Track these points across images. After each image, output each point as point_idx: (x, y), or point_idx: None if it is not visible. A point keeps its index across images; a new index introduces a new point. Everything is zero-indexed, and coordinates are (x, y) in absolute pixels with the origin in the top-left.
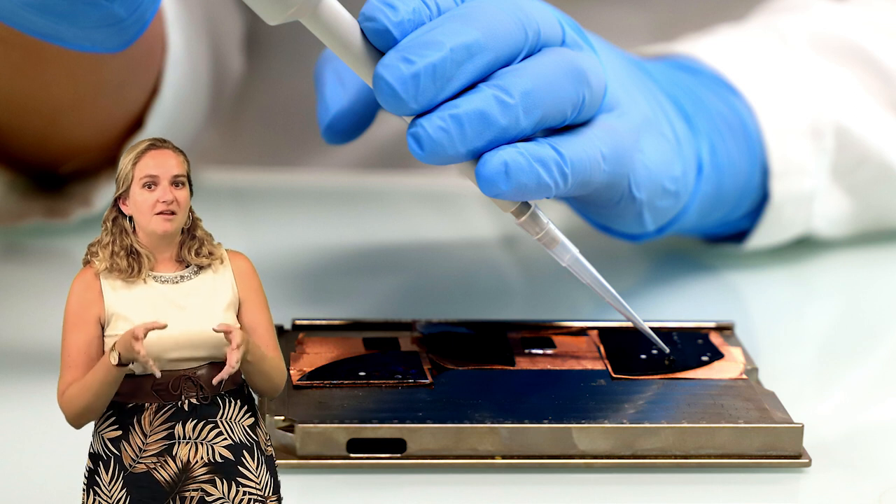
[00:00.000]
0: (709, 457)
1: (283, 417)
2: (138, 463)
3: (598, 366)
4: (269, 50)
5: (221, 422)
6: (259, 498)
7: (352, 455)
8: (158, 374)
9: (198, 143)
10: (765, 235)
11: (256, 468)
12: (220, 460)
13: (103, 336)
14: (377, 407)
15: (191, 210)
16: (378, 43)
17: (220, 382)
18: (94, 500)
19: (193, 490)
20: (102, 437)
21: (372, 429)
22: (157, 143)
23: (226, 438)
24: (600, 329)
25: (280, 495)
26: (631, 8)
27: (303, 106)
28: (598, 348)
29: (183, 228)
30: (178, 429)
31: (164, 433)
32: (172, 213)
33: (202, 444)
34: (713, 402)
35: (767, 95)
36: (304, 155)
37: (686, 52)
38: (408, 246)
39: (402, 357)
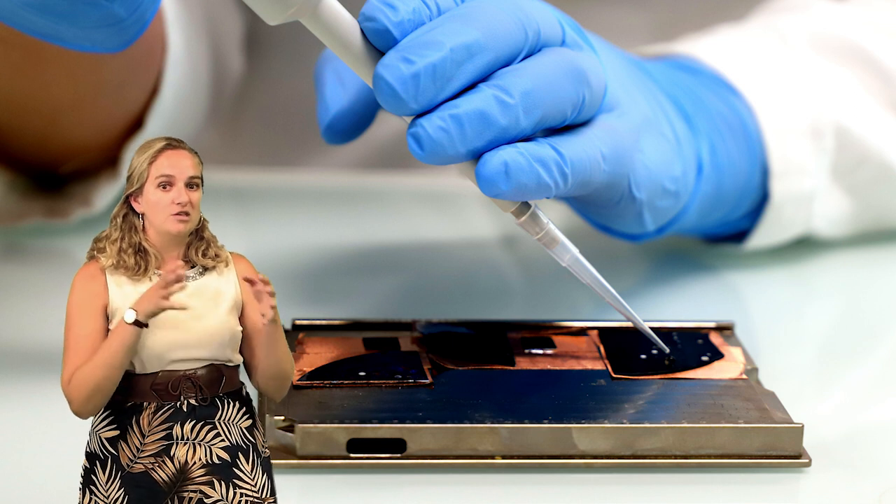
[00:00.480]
0: (709, 457)
1: (283, 417)
2: (136, 463)
3: (598, 366)
4: (269, 50)
5: (219, 423)
6: (255, 500)
7: (352, 455)
8: (185, 307)
9: (198, 143)
10: (765, 235)
11: (252, 470)
12: (217, 462)
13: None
14: (377, 407)
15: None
16: (378, 43)
17: (219, 384)
18: (91, 499)
19: (192, 492)
20: (99, 437)
21: (372, 429)
22: (174, 144)
23: (223, 440)
24: (600, 329)
25: (276, 497)
26: (631, 8)
27: (303, 106)
28: (598, 348)
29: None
30: (177, 429)
31: (163, 433)
32: (186, 214)
33: (200, 445)
34: (713, 402)
35: (767, 95)
36: (304, 155)
37: (686, 52)
38: (408, 246)
39: (402, 357)
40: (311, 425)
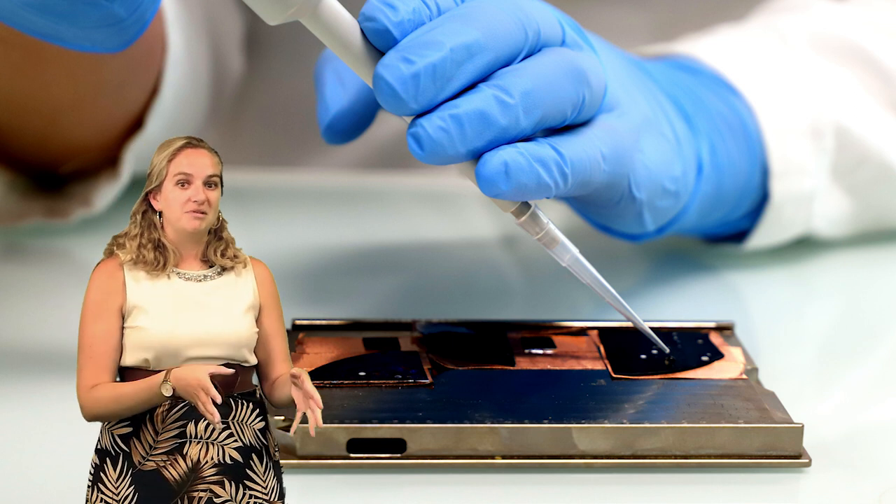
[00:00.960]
0: (709, 457)
1: (283, 417)
2: (147, 460)
3: (598, 366)
4: (269, 50)
5: (233, 423)
6: (265, 502)
7: (352, 455)
8: (218, 420)
9: None
10: (765, 235)
11: (264, 472)
12: (229, 462)
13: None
14: (377, 407)
15: (219, 212)
16: (378, 43)
17: (234, 384)
18: (99, 497)
19: (202, 490)
20: (112, 434)
21: (372, 429)
22: (194, 142)
23: (236, 440)
24: (600, 329)
25: (284, 502)
26: (631, 8)
27: (303, 106)
28: (598, 348)
29: (210, 229)
30: (191, 427)
31: (176, 431)
32: (203, 212)
33: (213, 444)
34: (713, 402)
35: (767, 95)
36: (304, 155)
37: (686, 52)
38: (408, 246)
39: (402, 357)
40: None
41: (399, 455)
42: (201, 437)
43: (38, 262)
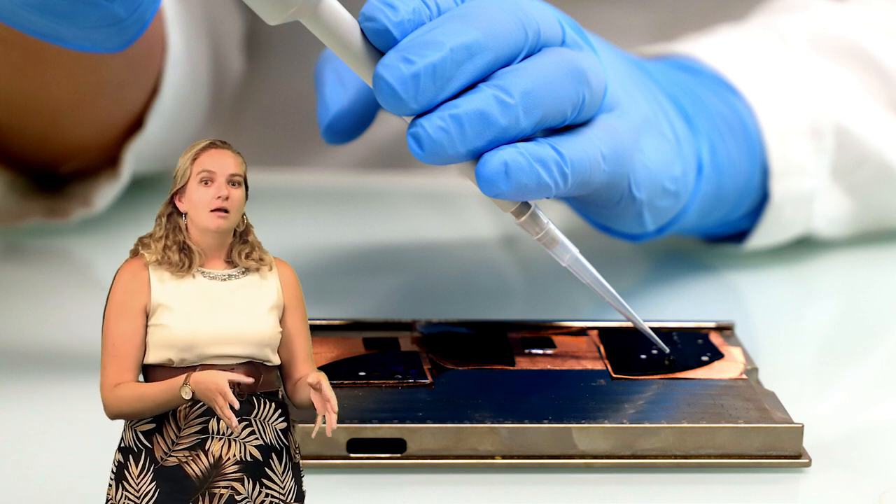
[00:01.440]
0: (709, 457)
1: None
2: (170, 456)
3: (598, 366)
4: (269, 50)
5: (254, 420)
6: (282, 503)
7: (352, 455)
8: (235, 425)
9: None
10: (765, 235)
11: (283, 473)
12: (249, 459)
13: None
14: (377, 407)
15: (244, 215)
16: (378, 43)
17: (256, 383)
18: (122, 493)
19: (223, 487)
20: (135, 430)
21: (372, 429)
22: (217, 143)
23: (257, 438)
24: (600, 329)
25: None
26: (631, 8)
27: (303, 106)
28: (598, 348)
29: (235, 231)
30: (213, 424)
31: (199, 427)
32: (226, 210)
33: (235, 441)
34: (713, 402)
35: (767, 95)
36: (304, 155)
37: (686, 52)
38: (408, 246)
39: (402, 357)
40: (312, 425)
41: (399, 455)
42: (223, 434)
43: (38, 262)
